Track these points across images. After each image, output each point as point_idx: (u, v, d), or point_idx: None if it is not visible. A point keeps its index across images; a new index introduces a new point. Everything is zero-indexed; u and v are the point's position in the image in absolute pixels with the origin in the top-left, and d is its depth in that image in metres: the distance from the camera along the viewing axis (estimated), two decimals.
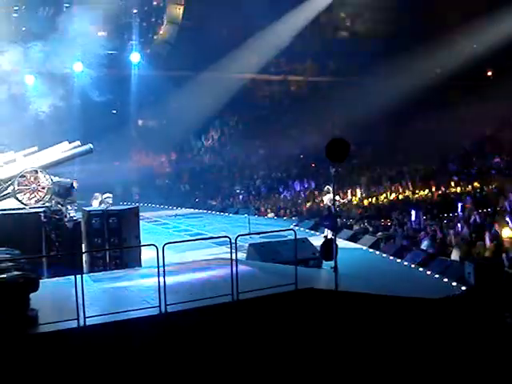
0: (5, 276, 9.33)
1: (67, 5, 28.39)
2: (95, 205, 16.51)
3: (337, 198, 18.14)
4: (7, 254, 10.50)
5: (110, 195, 16.63)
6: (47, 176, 15.05)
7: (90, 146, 15.87)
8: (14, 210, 14.30)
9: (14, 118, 26.62)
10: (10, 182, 14.81)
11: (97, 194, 17.16)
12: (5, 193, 14.85)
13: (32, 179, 14.83)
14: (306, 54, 31.07)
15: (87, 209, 15.12)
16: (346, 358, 10.76)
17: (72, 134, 17.95)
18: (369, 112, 29.55)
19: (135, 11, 30.61)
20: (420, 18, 30.60)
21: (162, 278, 9.89)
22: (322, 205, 19.64)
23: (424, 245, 17.14)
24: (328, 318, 10.86)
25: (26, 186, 14.73)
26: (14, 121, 26.55)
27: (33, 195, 14.75)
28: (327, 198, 18.06)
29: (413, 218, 19.88)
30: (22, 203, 14.49)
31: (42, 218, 14.08)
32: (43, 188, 14.85)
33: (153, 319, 9.81)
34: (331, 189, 16.76)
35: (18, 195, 14.63)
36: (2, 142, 17.33)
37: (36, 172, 14.92)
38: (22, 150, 16.06)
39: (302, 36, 31.07)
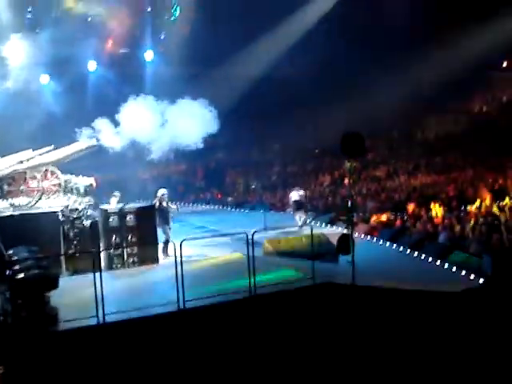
0: (23, 275, 9.44)
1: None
2: (113, 203, 16.56)
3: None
4: (27, 252, 10.63)
5: (164, 191, 16.59)
6: (50, 175, 15.05)
7: (94, 142, 15.74)
8: (32, 209, 14.42)
9: (29, 116, 26.82)
10: None
11: (116, 193, 17.22)
12: None
13: (21, 181, 14.82)
14: (315, 48, 30.78)
15: (104, 207, 15.22)
16: (364, 351, 10.77)
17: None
18: (382, 104, 29.41)
19: (149, 9, 30.60)
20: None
21: (180, 275, 9.94)
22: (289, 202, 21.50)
23: (442, 238, 17.05)
24: (346, 311, 10.87)
25: (14, 188, 14.74)
26: (30, 119, 26.77)
27: (23, 197, 14.73)
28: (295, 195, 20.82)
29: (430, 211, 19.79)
30: (12, 205, 14.49)
31: (60, 217, 14.21)
32: (33, 191, 14.82)
33: (171, 315, 9.88)
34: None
35: (7, 197, 14.63)
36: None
37: (25, 173, 14.88)
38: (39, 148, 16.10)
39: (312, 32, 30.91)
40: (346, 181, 24.27)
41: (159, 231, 15.82)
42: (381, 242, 17.96)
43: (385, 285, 11.79)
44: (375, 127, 31.20)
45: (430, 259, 15.50)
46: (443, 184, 24.09)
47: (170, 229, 16.16)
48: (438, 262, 15.16)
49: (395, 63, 29.47)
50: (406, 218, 20.12)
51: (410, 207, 20.82)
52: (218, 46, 30.43)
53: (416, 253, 16.25)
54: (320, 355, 10.54)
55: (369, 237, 18.61)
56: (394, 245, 17.34)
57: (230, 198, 30.26)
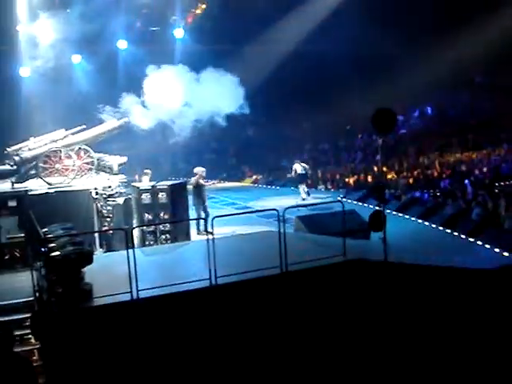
0: (58, 252, 9.59)
1: None
2: (145, 181, 16.71)
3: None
4: (62, 229, 10.79)
5: (203, 169, 16.62)
6: (83, 154, 15.22)
7: (126, 120, 15.81)
8: (66, 187, 14.63)
9: (61, 95, 27.04)
10: (34, 163, 15.02)
11: (147, 170, 17.36)
12: (30, 173, 15.05)
13: (56, 159, 14.97)
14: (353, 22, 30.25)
15: (137, 185, 15.35)
16: (397, 328, 10.75)
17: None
18: (416, 81, 28.94)
19: None
20: None
21: (211, 251, 10.00)
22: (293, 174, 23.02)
23: (475, 214, 16.87)
24: (377, 288, 10.84)
25: (50, 165, 14.91)
26: (62, 99, 27.00)
27: (57, 175, 14.90)
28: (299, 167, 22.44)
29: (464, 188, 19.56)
30: (47, 183, 14.67)
31: (94, 194, 14.39)
32: (67, 169, 14.97)
33: (203, 291, 9.96)
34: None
35: (42, 176, 14.81)
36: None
37: (60, 152, 15.02)
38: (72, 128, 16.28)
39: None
40: (378, 157, 24.10)
41: (193, 209, 15.93)
42: (413, 218, 17.84)
43: (417, 262, 11.70)
44: (409, 103, 30.88)
45: (463, 236, 15.37)
46: (476, 160, 23.79)
47: (206, 207, 16.23)
48: (472, 239, 15.03)
49: (431, 39, 28.98)
50: (438, 194, 19.95)
51: (443, 184, 20.63)
52: (248, 22, 30.22)
53: (449, 230, 16.11)
54: (352, 332, 10.56)
55: (401, 214, 18.51)
56: (427, 222, 17.22)
57: (260, 176, 30.31)
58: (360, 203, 20.56)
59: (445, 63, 28.54)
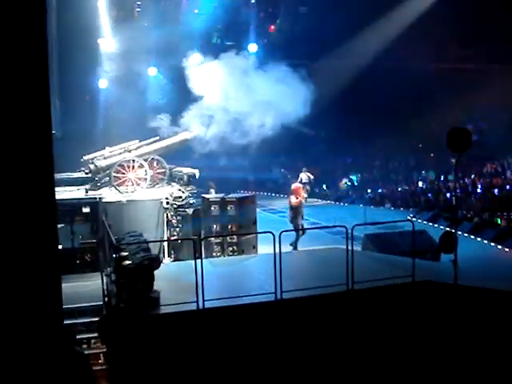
0: (129, 259, 9.82)
1: None
2: (213, 193, 16.90)
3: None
4: (131, 236, 11.06)
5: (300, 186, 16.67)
6: (156, 164, 15.59)
7: (197, 132, 16.02)
8: (138, 196, 14.99)
9: (137, 106, 27.67)
10: (108, 171, 15.45)
11: (211, 183, 17.64)
12: (103, 181, 15.51)
13: (129, 169, 15.34)
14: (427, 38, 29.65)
15: (207, 196, 15.54)
16: (463, 352, 10.45)
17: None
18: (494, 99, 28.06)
19: (253, 1, 30.88)
20: None
21: (278, 265, 9.99)
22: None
23: None
24: (446, 312, 10.57)
25: (123, 175, 15.30)
26: (139, 110, 27.62)
27: (130, 183, 15.27)
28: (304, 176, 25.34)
29: None
30: (120, 191, 15.05)
31: (164, 204, 14.66)
32: (140, 178, 15.32)
33: (268, 305, 9.96)
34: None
35: (115, 184, 15.22)
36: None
37: (133, 161, 15.40)
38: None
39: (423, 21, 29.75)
40: (451, 177, 23.62)
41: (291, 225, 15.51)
42: (485, 241, 17.33)
43: (489, 286, 11.33)
44: (486, 121, 30.05)
45: None
46: None
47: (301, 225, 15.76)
48: None
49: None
50: None
51: None
52: (323, 37, 30.20)
53: None
54: (418, 355, 10.33)
55: (473, 236, 18.01)
56: (500, 245, 16.70)
57: (329, 192, 30.16)
58: (430, 223, 20.13)
59: None
